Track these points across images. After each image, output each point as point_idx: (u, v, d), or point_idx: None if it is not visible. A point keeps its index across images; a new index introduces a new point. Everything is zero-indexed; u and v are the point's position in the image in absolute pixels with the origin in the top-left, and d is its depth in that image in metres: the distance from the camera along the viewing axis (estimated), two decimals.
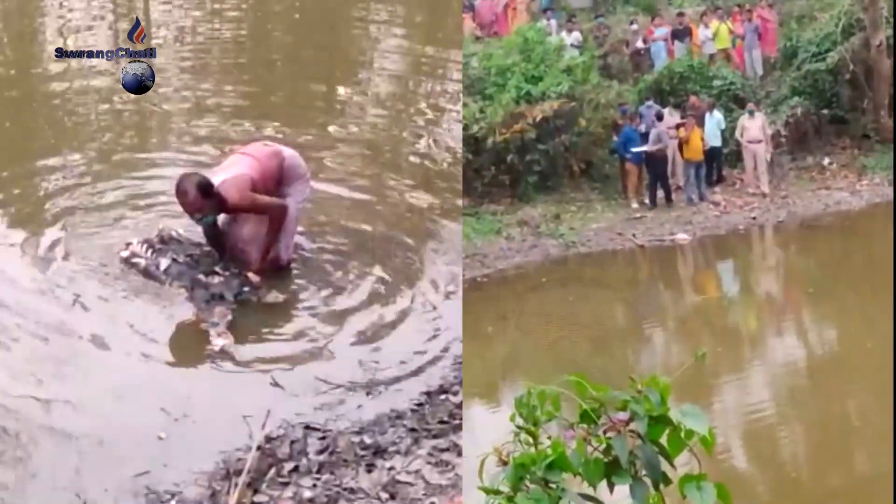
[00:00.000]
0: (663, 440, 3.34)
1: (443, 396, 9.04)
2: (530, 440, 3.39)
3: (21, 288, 10.15)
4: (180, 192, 10.00)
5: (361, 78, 16.87)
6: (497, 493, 3.29)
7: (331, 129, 14.49)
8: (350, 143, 14.00)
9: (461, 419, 8.75)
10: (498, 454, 3.37)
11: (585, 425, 3.36)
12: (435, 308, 10.40)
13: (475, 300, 17.68)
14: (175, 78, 15.85)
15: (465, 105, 20.96)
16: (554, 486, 3.28)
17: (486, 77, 22.47)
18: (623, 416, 3.32)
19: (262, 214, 10.38)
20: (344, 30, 19.57)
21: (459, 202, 13.20)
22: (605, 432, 3.32)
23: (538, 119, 21.06)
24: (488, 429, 9.36)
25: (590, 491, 3.32)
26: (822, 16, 24.96)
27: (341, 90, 16.37)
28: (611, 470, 3.30)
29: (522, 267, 19.36)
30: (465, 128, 20.50)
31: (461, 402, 8.99)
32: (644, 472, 3.31)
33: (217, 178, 10.12)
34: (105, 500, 7.61)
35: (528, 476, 3.31)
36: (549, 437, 3.36)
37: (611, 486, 3.32)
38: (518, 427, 3.41)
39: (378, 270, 10.93)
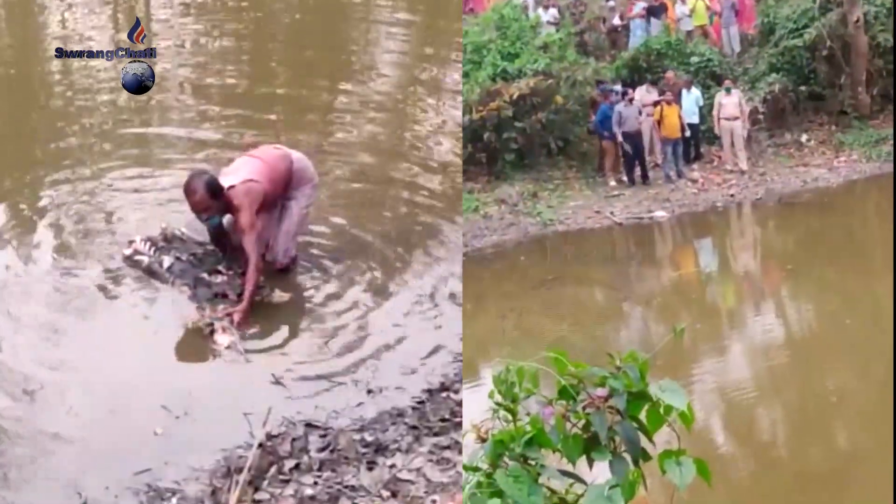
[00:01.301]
0: (642, 416, 3.36)
1: (444, 394, 9.03)
2: (509, 417, 3.42)
3: (21, 285, 10.12)
4: (189, 191, 9.93)
5: (360, 80, 16.71)
6: (476, 469, 3.32)
7: (332, 127, 14.49)
8: (349, 139, 13.96)
9: (462, 417, 8.74)
10: (476, 431, 3.42)
11: (564, 402, 3.38)
12: (437, 305, 10.37)
13: None
14: (176, 77, 15.79)
15: None
16: (533, 462, 3.30)
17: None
18: (602, 392, 3.34)
19: (241, 237, 10.27)
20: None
21: (460, 198, 13.18)
22: (584, 408, 3.34)
23: (515, 97, 21.04)
24: (467, 406, 9.32)
25: (569, 467, 3.36)
26: None
27: (342, 85, 16.25)
28: (590, 446, 3.33)
29: (500, 245, 19.38)
30: None
31: (462, 400, 8.97)
32: (623, 448, 3.33)
33: (227, 179, 10.05)
34: (106, 497, 7.59)
35: (507, 453, 3.33)
36: (528, 414, 3.38)
37: (590, 463, 3.35)
38: (497, 404, 3.44)
39: (379, 267, 10.89)
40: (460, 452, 8.25)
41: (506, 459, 3.33)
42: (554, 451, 3.33)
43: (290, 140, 12.42)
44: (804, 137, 23.30)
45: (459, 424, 8.64)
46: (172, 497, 7.63)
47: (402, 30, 18.80)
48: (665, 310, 16.59)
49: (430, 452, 8.30)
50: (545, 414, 3.33)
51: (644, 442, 3.34)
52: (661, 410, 3.32)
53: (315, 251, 11.12)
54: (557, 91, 21.76)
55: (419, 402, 8.90)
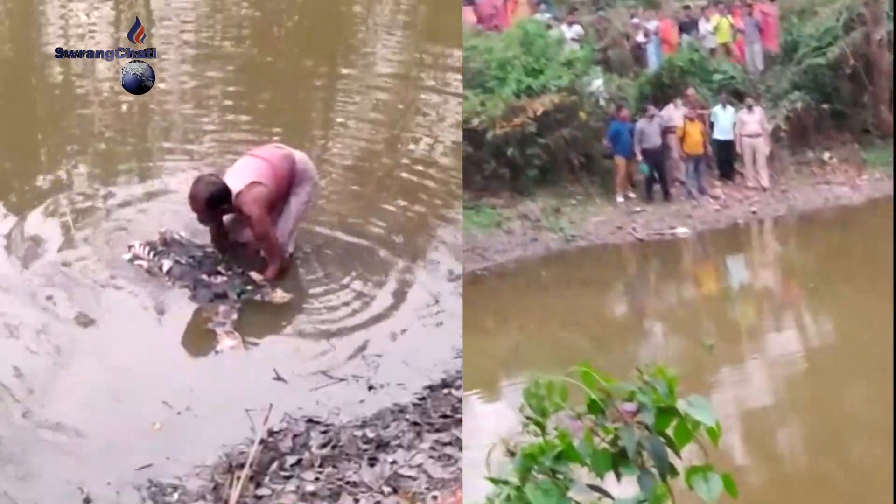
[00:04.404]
0: (670, 431, 3.34)
1: (445, 391, 9.10)
2: (538, 431, 3.40)
3: (22, 285, 10.18)
4: (193, 198, 10.04)
5: (359, 72, 16.63)
6: (505, 483, 3.31)
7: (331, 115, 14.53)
8: (350, 139, 13.95)
9: (462, 413, 8.80)
10: (505, 445, 3.39)
11: (593, 416, 3.37)
12: (437, 302, 10.43)
13: (475, 294, 17.66)
14: (175, 71, 15.75)
15: (465, 98, 20.92)
16: (562, 476, 3.30)
17: (486, 70, 22.41)
18: (630, 406, 3.33)
19: (259, 242, 10.39)
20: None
21: (460, 193, 13.22)
22: (612, 423, 3.33)
23: (538, 113, 20.97)
24: (490, 422, 9.41)
25: (597, 481, 3.34)
26: (823, 10, 24.93)
27: (341, 77, 16.16)
28: (618, 461, 3.32)
29: (522, 261, 19.36)
30: (466, 121, 20.44)
31: (462, 397, 9.04)
32: (651, 463, 3.32)
33: (231, 181, 10.12)
34: (108, 493, 7.68)
35: (535, 467, 3.32)
36: (557, 428, 3.37)
37: (618, 477, 3.33)
38: (526, 418, 3.42)
39: (379, 265, 10.95)
40: (461, 449, 8.33)
41: (535, 473, 3.32)
42: (582, 466, 3.32)
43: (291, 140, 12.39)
44: (826, 155, 23.22)
45: (460, 421, 8.71)
46: (174, 493, 7.74)
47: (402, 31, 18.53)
48: (686, 326, 16.61)
49: (432, 449, 8.39)
50: (574, 428, 3.33)
51: (671, 457, 3.33)
52: (689, 426, 3.31)
53: (316, 249, 11.17)
54: (581, 107, 21.76)
55: (420, 399, 9.00)
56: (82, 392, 8.75)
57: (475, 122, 20.78)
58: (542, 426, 3.42)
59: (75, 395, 8.70)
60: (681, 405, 3.33)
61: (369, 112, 15.07)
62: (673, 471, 3.34)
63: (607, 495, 3.37)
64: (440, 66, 17.40)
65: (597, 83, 22.75)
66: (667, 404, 3.33)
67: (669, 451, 3.35)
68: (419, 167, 13.25)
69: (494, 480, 3.35)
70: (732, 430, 12.24)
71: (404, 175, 13.04)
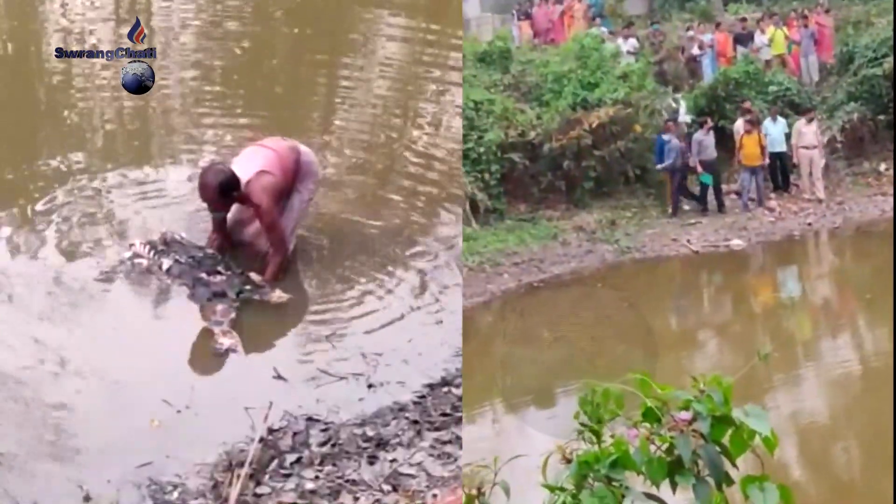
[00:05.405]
0: (726, 440, 3.35)
1: (445, 389, 9.13)
2: (594, 438, 3.43)
3: (23, 283, 10.29)
4: (202, 185, 10.12)
5: (360, 73, 16.44)
6: (561, 490, 3.33)
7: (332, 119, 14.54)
8: (349, 135, 13.94)
9: (462, 412, 8.86)
10: (561, 452, 3.41)
11: (648, 424, 3.39)
12: (438, 300, 10.47)
13: (531, 305, 17.74)
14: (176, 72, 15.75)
15: (521, 112, 21.06)
16: (617, 484, 3.31)
17: (542, 84, 22.53)
18: (686, 415, 3.34)
19: (267, 232, 10.51)
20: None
21: (460, 192, 13.24)
22: (668, 431, 3.34)
23: (594, 125, 21.03)
24: (547, 431, 9.43)
25: (653, 490, 3.34)
26: (879, 21, 24.87)
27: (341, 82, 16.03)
28: (674, 469, 3.32)
29: (578, 272, 19.38)
30: (522, 134, 20.62)
31: (462, 395, 9.09)
32: (707, 472, 3.32)
33: (240, 169, 10.17)
34: (107, 490, 7.71)
35: (591, 474, 3.34)
36: (613, 436, 3.39)
37: (673, 486, 3.34)
38: (582, 425, 3.45)
39: (380, 263, 10.99)
40: (461, 447, 8.39)
41: (590, 480, 3.33)
42: (638, 474, 3.32)
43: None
44: (883, 166, 23.05)
45: (460, 419, 8.76)
46: (174, 491, 7.79)
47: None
48: (741, 338, 16.59)
49: (431, 447, 8.43)
50: (629, 436, 3.34)
51: (727, 466, 3.33)
52: (745, 435, 3.32)
53: (315, 247, 11.23)
54: (636, 120, 21.80)
55: (420, 397, 9.03)
56: (82, 391, 8.80)
57: (531, 135, 20.91)
58: (597, 434, 3.44)
59: (75, 394, 8.75)
60: (737, 414, 3.34)
61: (370, 105, 14.98)
62: (728, 480, 3.34)
63: (663, 503, 3.37)
64: (442, 46, 17.15)
65: (681, 108, 22.90)
66: (722, 413, 3.34)
67: (725, 461, 3.35)
68: (420, 160, 13.23)
69: (550, 487, 3.36)
70: (787, 440, 12.25)
71: (405, 170, 13.02)
